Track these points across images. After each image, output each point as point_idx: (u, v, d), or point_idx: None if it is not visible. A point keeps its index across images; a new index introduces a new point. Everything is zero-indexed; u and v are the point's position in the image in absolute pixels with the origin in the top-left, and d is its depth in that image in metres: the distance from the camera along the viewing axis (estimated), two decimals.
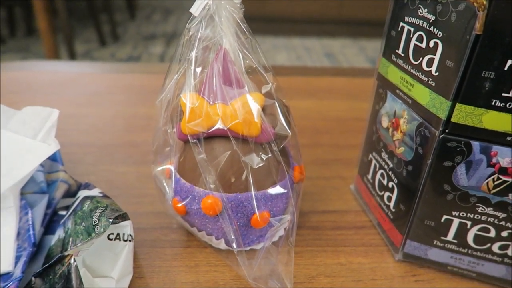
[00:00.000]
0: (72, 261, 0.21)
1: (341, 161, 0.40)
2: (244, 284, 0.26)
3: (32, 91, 0.53)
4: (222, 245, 0.28)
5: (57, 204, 0.30)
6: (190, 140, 0.25)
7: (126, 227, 0.25)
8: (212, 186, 0.25)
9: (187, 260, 0.28)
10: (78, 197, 0.28)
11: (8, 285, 0.22)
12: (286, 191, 0.26)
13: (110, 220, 0.23)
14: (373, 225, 0.32)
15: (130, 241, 0.25)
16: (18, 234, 0.26)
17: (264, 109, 0.25)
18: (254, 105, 0.24)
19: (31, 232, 0.26)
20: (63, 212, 0.29)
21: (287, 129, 0.25)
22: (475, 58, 0.21)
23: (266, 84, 0.26)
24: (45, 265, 0.22)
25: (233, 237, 0.26)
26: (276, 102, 0.25)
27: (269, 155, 0.25)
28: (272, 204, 0.26)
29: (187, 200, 0.26)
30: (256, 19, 2.36)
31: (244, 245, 0.28)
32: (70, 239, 0.25)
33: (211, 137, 0.25)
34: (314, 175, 0.38)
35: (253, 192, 0.25)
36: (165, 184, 0.28)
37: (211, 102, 0.25)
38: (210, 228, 0.27)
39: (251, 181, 0.25)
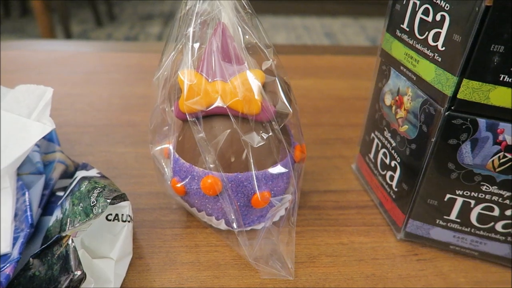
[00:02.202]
0: (70, 241, 0.21)
1: (342, 140, 0.40)
2: (244, 264, 0.26)
3: (28, 70, 0.52)
4: (222, 225, 0.27)
5: (54, 185, 0.29)
6: (188, 119, 0.24)
7: (124, 208, 0.25)
8: (211, 165, 0.25)
9: (187, 241, 0.28)
10: (75, 178, 0.28)
11: (6, 267, 0.21)
12: (287, 170, 0.26)
13: (108, 201, 0.23)
14: (375, 204, 0.32)
15: (129, 221, 0.25)
16: (16, 215, 0.25)
17: (264, 86, 0.24)
18: (254, 82, 0.23)
19: (29, 213, 0.25)
20: (60, 193, 0.29)
21: (288, 106, 0.25)
22: (484, 31, 0.20)
23: (266, 61, 0.25)
24: (43, 246, 0.22)
25: (233, 217, 0.25)
26: (277, 79, 0.25)
27: (270, 133, 0.25)
28: (273, 184, 0.26)
29: (187, 180, 0.26)
30: None
31: (244, 225, 0.27)
32: (68, 220, 0.24)
33: (210, 115, 0.25)
34: (315, 154, 0.37)
35: (253, 172, 0.25)
36: (163, 164, 0.28)
37: (209, 79, 0.24)
38: (210, 208, 0.27)
39: (252, 160, 0.24)
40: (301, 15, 2.41)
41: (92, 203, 0.23)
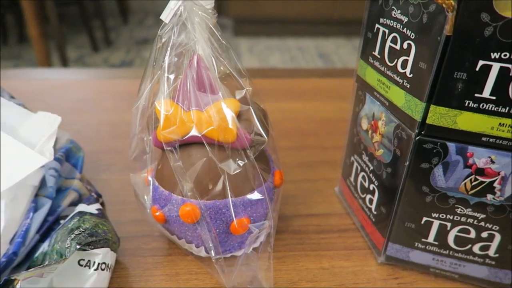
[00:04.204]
0: (18, 286, 0.21)
1: (327, 163, 0.40)
2: None
3: (19, 99, 0.53)
4: (202, 252, 0.27)
5: (61, 212, 0.29)
6: (165, 148, 0.25)
7: (97, 256, 0.24)
8: (189, 193, 0.25)
9: (167, 269, 0.28)
10: (74, 211, 0.28)
11: None
12: (263, 197, 0.26)
13: (78, 247, 0.23)
14: (357, 228, 0.32)
15: (102, 269, 0.24)
16: (13, 237, 0.26)
17: (239, 114, 0.25)
18: (228, 111, 0.24)
19: (19, 239, 0.25)
20: (63, 222, 0.29)
21: (264, 134, 0.25)
22: (446, 59, 0.21)
23: (240, 90, 0.25)
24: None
25: (211, 244, 0.25)
26: (251, 107, 0.25)
27: (246, 161, 0.25)
28: (252, 210, 0.26)
29: (166, 208, 0.26)
30: (250, 21, 2.36)
31: (225, 252, 0.28)
32: (48, 257, 0.24)
33: (188, 144, 0.25)
34: (299, 177, 0.38)
35: (230, 199, 0.25)
36: (144, 192, 0.28)
37: (185, 109, 0.25)
38: (189, 236, 0.27)
39: (228, 187, 0.25)
40: (295, 37, 2.45)
41: (67, 245, 0.24)
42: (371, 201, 0.29)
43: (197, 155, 0.25)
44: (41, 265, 0.23)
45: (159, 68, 0.25)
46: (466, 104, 0.22)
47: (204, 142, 0.24)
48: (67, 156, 0.32)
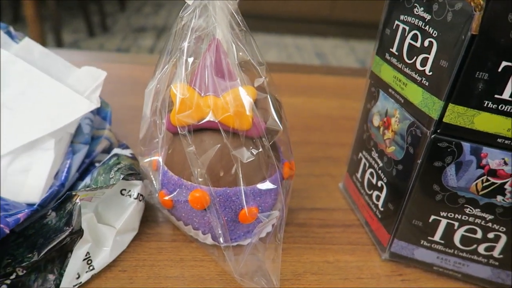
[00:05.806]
0: (77, 200, 0.24)
1: (331, 158, 0.40)
2: (229, 280, 0.26)
3: None
4: (208, 240, 0.27)
5: (96, 157, 0.32)
6: (179, 132, 0.24)
7: (137, 186, 0.27)
8: (200, 179, 0.25)
9: (172, 255, 0.27)
10: (111, 153, 0.30)
11: (20, 212, 0.24)
12: (275, 186, 0.26)
13: (122, 176, 0.26)
14: (361, 224, 0.32)
15: (140, 200, 0.27)
16: (56, 174, 0.29)
17: (256, 103, 0.25)
18: (246, 98, 0.24)
19: (64, 174, 0.28)
20: (98, 164, 0.31)
21: (279, 123, 0.25)
22: (469, 58, 0.21)
23: (259, 78, 0.25)
24: (59, 201, 0.25)
25: (220, 232, 0.25)
26: (268, 96, 0.25)
27: (260, 149, 0.25)
28: (261, 200, 0.26)
29: (175, 193, 0.26)
30: (249, 16, 2.34)
31: (231, 241, 0.27)
32: (92, 187, 0.26)
33: (201, 129, 0.25)
34: (303, 172, 0.38)
35: (242, 187, 0.25)
36: (152, 176, 0.28)
37: (202, 94, 0.24)
38: (197, 223, 0.26)
39: (241, 175, 0.25)
40: (293, 35, 2.45)
41: (111, 176, 0.26)
42: (378, 197, 0.29)
43: (211, 141, 0.25)
44: (94, 187, 0.25)
45: (177, 51, 0.25)
46: (485, 105, 0.22)
47: (220, 128, 0.24)
48: (97, 110, 0.35)
